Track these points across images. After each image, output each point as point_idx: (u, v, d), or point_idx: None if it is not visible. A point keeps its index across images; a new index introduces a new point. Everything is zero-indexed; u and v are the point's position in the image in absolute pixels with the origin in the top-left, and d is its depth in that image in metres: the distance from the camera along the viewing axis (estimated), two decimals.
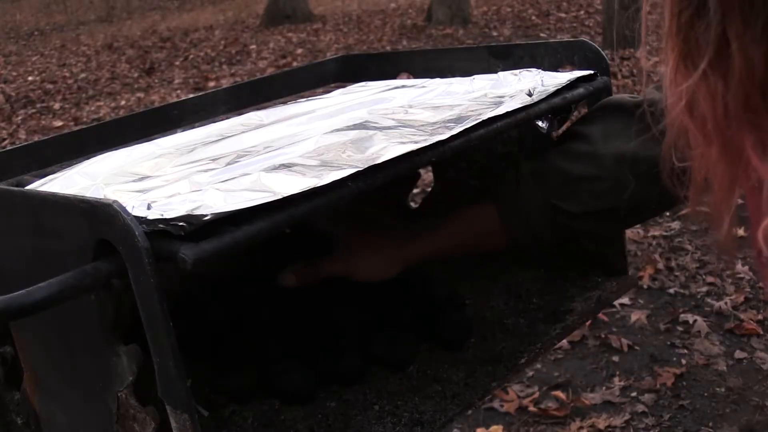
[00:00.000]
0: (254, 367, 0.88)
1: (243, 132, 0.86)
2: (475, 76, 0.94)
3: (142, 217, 0.57)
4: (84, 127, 1.01)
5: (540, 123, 0.87)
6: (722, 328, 2.60)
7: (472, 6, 9.17)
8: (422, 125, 0.77)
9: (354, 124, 0.79)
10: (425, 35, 8.31)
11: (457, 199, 0.96)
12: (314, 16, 10.28)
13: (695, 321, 2.64)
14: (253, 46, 8.74)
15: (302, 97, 1.05)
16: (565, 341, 2.50)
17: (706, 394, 2.31)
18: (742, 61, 0.32)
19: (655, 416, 2.25)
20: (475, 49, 1.03)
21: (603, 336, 2.64)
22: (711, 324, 2.63)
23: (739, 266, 2.85)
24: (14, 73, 8.74)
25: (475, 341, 0.94)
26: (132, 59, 8.75)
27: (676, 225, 3.28)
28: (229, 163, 0.72)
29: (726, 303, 2.69)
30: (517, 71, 0.92)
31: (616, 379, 2.43)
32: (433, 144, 0.69)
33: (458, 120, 0.76)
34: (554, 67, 0.93)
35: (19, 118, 6.55)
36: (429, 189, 1.29)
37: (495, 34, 7.94)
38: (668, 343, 2.59)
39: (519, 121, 0.78)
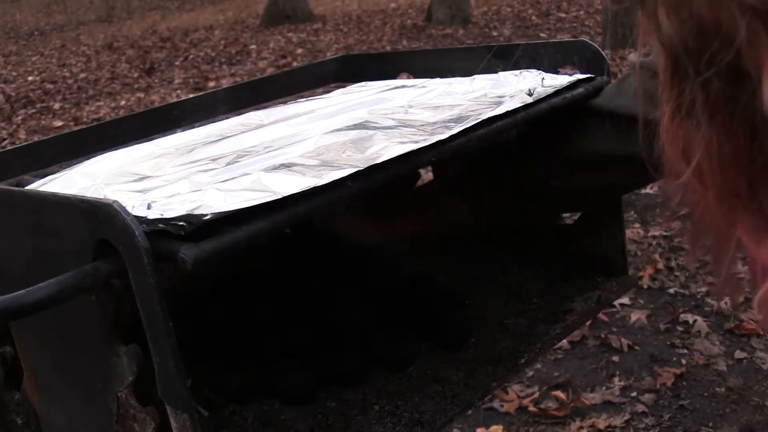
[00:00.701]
0: (254, 367, 0.88)
1: (243, 132, 0.86)
2: (475, 76, 0.95)
3: (142, 217, 0.57)
4: (84, 127, 1.01)
5: None
6: (722, 328, 2.60)
7: (472, 6, 9.17)
8: (422, 125, 0.77)
9: (354, 124, 0.79)
10: (425, 35, 8.30)
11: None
12: (314, 16, 10.27)
13: (695, 321, 2.64)
14: (253, 46, 8.74)
15: (302, 97, 1.05)
16: (565, 341, 2.50)
17: (706, 394, 2.31)
18: (728, 148, 0.33)
19: (655, 416, 2.25)
20: (475, 49, 1.03)
21: (603, 336, 2.64)
22: (711, 324, 2.63)
23: (739, 266, 2.84)
24: (14, 73, 8.74)
25: (475, 341, 0.94)
26: (132, 59, 8.75)
27: (676, 225, 3.28)
28: (229, 163, 0.72)
29: (726, 303, 2.69)
30: (517, 71, 0.92)
31: (616, 379, 2.43)
32: (433, 144, 0.69)
33: (458, 120, 0.76)
34: (554, 68, 0.93)
35: (19, 118, 6.55)
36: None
37: (495, 34, 7.94)
38: (668, 343, 2.59)
39: (519, 121, 0.78)
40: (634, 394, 2.35)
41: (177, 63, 8.32)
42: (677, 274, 2.96)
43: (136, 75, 7.92)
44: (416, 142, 0.69)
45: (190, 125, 1.02)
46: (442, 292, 1.01)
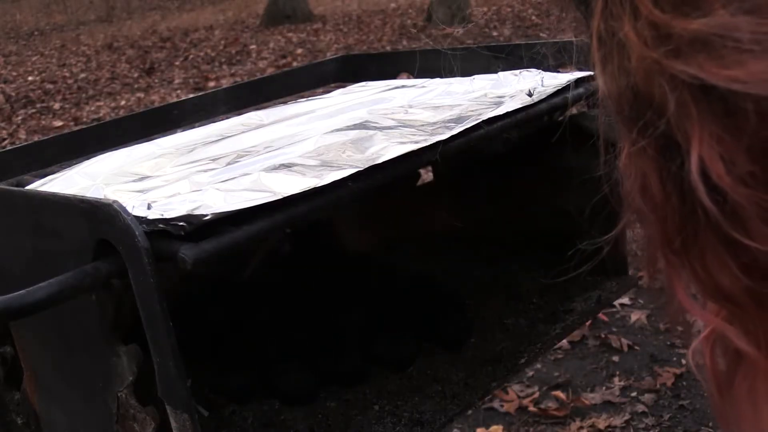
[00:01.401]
0: (254, 367, 0.88)
1: (243, 132, 0.86)
2: (475, 76, 0.94)
3: (142, 217, 0.57)
4: (84, 127, 1.01)
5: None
6: None
7: (472, 6, 9.17)
8: (422, 125, 0.77)
9: (354, 124, 0.79)
10: (425, 35, 8.30)
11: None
12: (314, 16, 10.27)
13: (695, 321, 2.64)
14: (253, 46, 8.74)
15: (302, 97, 1.05)
16: (565, 341, 2.50)
17: (706, 394, 2.30)
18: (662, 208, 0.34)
19: (655, 416, 2.25)
20: (475, 49, 1.03)
21: (603, 336, 2.64)
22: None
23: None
24: (14, 73, 8.74)
25: (475, 341, 0.94)
26: (132, 59, 8.75)
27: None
28: (229, 163, 0.72)
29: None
30: (517, 71, 0.92)
31: (616, 379, 2.43)
32: (433, 144, 0.69)
33: (458, 120, 0.76)
34: (554, 67, 0.93)
35: (19, 118, 6.55)
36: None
37: (495, 34, 7.94)
38: (668, 343, 2.58)
39: (519, 121, 0.78)
40: (634, 394, 2.35)
41: (177, 63, 8.32)
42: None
43: (136, 75, 7.91)
44: (416, 142, 0.69)
45: (190, 125, 1.02)
46: (443, 293, 1.01)
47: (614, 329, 2.67)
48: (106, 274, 0.55)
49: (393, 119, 0.81)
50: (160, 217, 0.57)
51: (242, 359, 0.90)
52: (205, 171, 0.71)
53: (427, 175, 1.31)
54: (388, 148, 0.67)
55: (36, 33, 12.40)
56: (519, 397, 2.38)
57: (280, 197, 0.58)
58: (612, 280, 1.02)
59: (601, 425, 2.22)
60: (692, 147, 0.31)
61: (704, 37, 0.29)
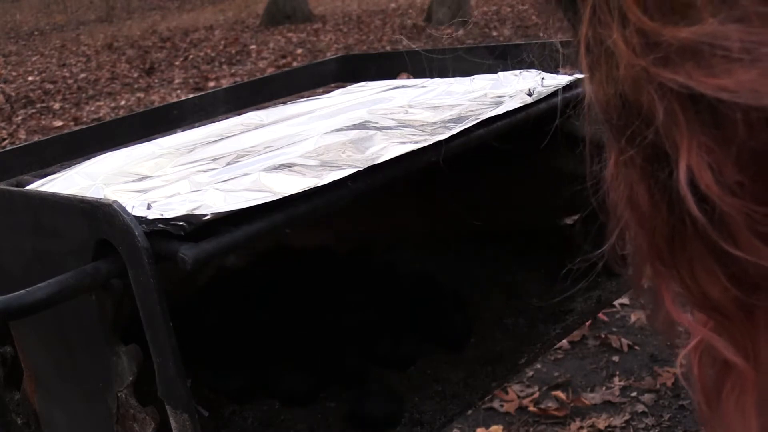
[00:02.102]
0: (253, 367, 0.87)
1: (243, 132, 0.86)
2: (475, 76, 0.94)
3: (142, 217, 0.57)
4: (84, 127, 1.01)
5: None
6: None
7: (472, 6, 9.17)
8: (422, 125, 0.77)
9: (354, 124, 0.79)
10: (425, 35, 8.30)
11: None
12: (314, 16, 10.27)
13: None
14: (253, 46, 8.74)
15: (302, 97, 1.05)
16: (565, 341, 2.50)
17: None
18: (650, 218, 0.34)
19: (655, 416, 2.25)
20: (475, 49, 1.03)
21: (603, 336, 2.64)
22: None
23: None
24: (14, 73, 8.74)
25: (475, 341, 0.94)
26: (132, 59, 8.75)
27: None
28: (229, 163, 0.72)
29: None
30: (517, 71, 0.92)
31: (616, 379, 2.43)
32: (433, 144, 0.69)
33: (458, 120, 0.76)
34: (554, 68, 0.93)
35: (19, 118, 6.55)
36: None
37: (495, 34, 7.94)
38: (668, 343, 2.58)
39: (519, 121, 0.78)
40: (634, 394, 2.35)
41: (177, 63, 8.32)
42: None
43: (136, 75, 7.91)
44: (416, 142, 0.69)
45: (190, 125, 1.02)
46: (443, 293, 1.01)
47: (614, 329, 2.68)
48: (106, 274, 0.55)
49: (393, 119, 0.81)
50: (160, 217, 0.57)
51: (241, 359, 0.90)
52: (205, 171, 0.71)
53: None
54: (388, 148, 0.67)
55: (36, 33, 12.40)
56: (519, 397, 2.38)
57: (279, 197, 0.58)
58: (612, 280, 1.02)
59: (601, 425, 2.22)
60: (681, 156, 0.30)
61: (693, 45, 0.29)
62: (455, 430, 2.23)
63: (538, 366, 2.51)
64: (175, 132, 0.96)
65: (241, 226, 0.57)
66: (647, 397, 2.32)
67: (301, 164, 0.66)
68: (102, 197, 0.64)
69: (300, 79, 1.16)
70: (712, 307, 0.34)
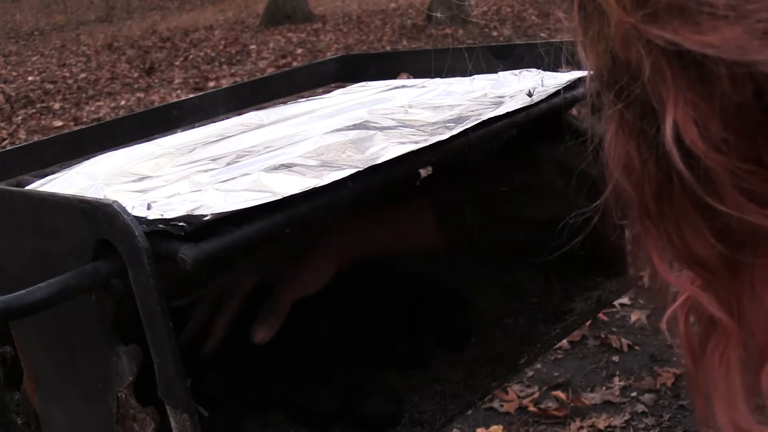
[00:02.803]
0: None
1: (243, 132, 0.86)
2: (475, 76, 0.94)
3: (142, 217, 0.57)
4: (84, 127, 1.01)
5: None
6: None
7: (472, 6, 9.17)
8: (422, 125, 0.77)
9: (354, 124, 0.79)
10: (425, 35, 8.31)
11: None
12: (314, 16, 10.28)
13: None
14: (253, 46, 8.74)
15: (302, 97, 1.05)
16: (565, 341, 2.50)
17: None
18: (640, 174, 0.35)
19: (655, 416, 2.25)
20: (475, 49, 1.03)
21: (603, 336, 2.64)
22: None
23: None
24: (14, 73, 8.74)
25: (475, 341, 0.94)
26: (132, 59, 8.75)
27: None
28: (229, 163, 0.72)
29: None
30: (517, 71, 0.92)
31: (616, 379, 2.43)
32: (433, 144, 0.69)
33: (458, 120, 0.76)
34: (554, 67, 0.93)
35: (19, 118, 6.55)
36: None
37: (495, 34, 7.94)
38: (668, 343, 2.58)
39: (519, 121, 0.78)
40: (634, 394, 2.35)
41: (177, 63, 8.32)
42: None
43: (136, 75, 7.92)
44: (416, 142, 0.69)
45: (190, 125, 1.02)
46: (445, 293, 1.01)
47: (614, 329, 2.68)
48: (106, 274, 0.55)
49: (393, 119, 0.81)
50: (160, 217, 0.57)
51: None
52: (205, 171, 0.71)
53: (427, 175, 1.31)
54: (388, 149, 0.67)
55: (36, 33, 12.41)
56: (519, 397, 2.38)
57: (280, 197, 0.58)
58: (612, 280, 1.02)
59: (601, 425, 2.22)
60: (667, 112, 0.31)
61: (680, 3, 0.30)
62: (455, 430, 2.23)
63: (538, 366, 2.51)
64: (175, 132, 0.96)
65: (241, 226, 0.57)
66: (647, 397, 2.32)
67: (301, 164, 0.66)
68: (102, 197, 0.64)
69: (300, 79, 1.16)
70: (697, 263, 0.35)
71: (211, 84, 6.96)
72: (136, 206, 0.59)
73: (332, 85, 1.17)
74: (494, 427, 2.26)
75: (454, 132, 0.71)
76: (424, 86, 0.96)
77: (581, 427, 2.22)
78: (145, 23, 11.92)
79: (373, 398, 0.82)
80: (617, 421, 2.24)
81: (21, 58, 9.83)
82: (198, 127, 0.95)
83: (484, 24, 8.56)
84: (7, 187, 0.71)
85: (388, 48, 7.64)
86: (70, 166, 0.82)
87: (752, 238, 0.32)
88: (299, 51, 8.15)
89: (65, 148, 0.94)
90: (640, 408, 2.29)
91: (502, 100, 0.83)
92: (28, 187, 0.78)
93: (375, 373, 0.88)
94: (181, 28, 10.79)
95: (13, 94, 7.52)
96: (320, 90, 1.14)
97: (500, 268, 1.07)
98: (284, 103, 1.01)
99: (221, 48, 8.86)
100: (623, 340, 2.60)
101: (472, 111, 0.80)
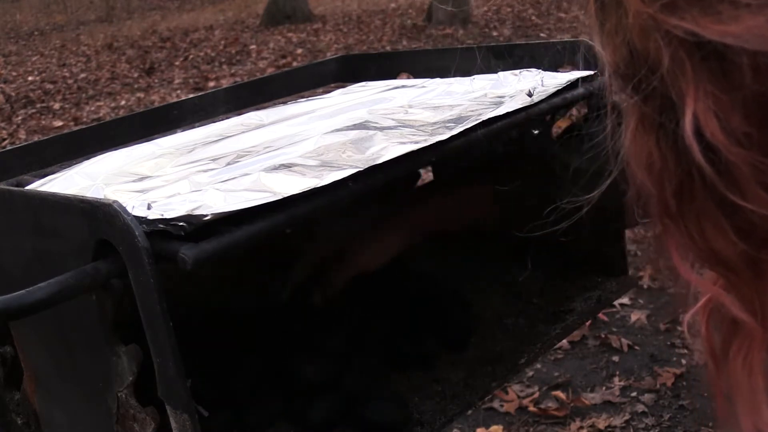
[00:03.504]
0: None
1: (243, 132, 0.86)
2: (475, 76, 0.94)
3: (142, 217, 0.57)
4: (84, 127, 1.01)
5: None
6: None
7: (472, 6, 9.17)
8: (422, 125, 0.77)
9: (354, 124, 0.79)
10: (425, 35, 8.31)
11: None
12: (314, 16, 10.27)
13: (695, 321, 2.64)
14: (253, 46, 8.74)
15: (302, 97, 1.05)
16: (565, 341, 2.50)
17: (706, 394, 2.30)
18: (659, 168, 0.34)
19: (655, 416, 2.25)
20: (475, 49, 1.02)
21: (603, 336, 2.64)
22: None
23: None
24: (14, 73, 8.74)
25: (475, 341, 0.94)
26: (132, 59, 8.75)
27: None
28: (229, 163, 0.72)
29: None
30: (517, 71, 0.92)
31: (616, 379, 2.43)
32: (433, 144, 0.69)
33: (458, 120, 0.76)
34: (554, 67, 0.93)
35: (19, 118, 6.55)
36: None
37: (495, 34, 7.94)
38: (668, 343, 2.59)
39: (519, 121, 0.78)
40: (634, 394, 2.35)
41: (177, 63, 8.32)
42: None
43: (136, 75, 7.92)
44: (416, 142, 0.69)
45: (190, 125, 1.02)
46: (446, 292, 1.01)
47: (614, 329, 2.68)
48: (106, 274, 0.55)
49: (393, 119, 0.81)
50: (160, 217, 0.57)
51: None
52: (205, 171, 0.71)
53: (427, 175, 1.31)
54: (388, 149, 0.67)
55: (36, 33, 12.41)
56: (519, 397, 2.38)
57: (280, 197, 0.58)
58: (612, 280, 1.02)
59: (601, 425, 2.22)
60: (687, 105, 0.30)
61: None
62: (455, 430, 2.23)
63: (538, 366, 2.51)
64: (175, 132, 0.96)
65: (241, 226, 0.57)
66: (647, 397, 2.32)
67: (301, 164, 0.66)
68: (102, 197, 0.64)
69: (300, 79, 1.16)
70: (719, 263, 0.34)
71: (211, 84, 6.96)
72: (136, 206, 0.59)
73: (332, 85, 1.17)
74: (494, 427, 2.26)
75: (454, 132, 0.71)
76: (424, 86, 0.96)
77: (581, 427, 2.22)
78: (145, 23, 11.92)
79: (379, 403, 0.81)
80: (617, 421, 2.24)
81: (21, 58, 9.83)
82: (198, 127, 0.95)
83: (484, 24, 8.56)
84: (7, 187, 0.71)
85: (388, 48, 7.64)
86: (70, 166, 0.82)
87: None
88: (299, 51, 8.15)
89: (65, 148, 0.94)
90: (640, 408, 2.29)
91: (502, 100, 0.83)
92: (28, 187, 0.78)
93: (380, 376, 0.87)
94: (181, 28, 10.79)
95: (13, 94, 7.52)
96: (320, 90, 1.14)
97: (500, 268, 1.07)
98: (284, 103, 1.01)
99: (221, 48, 8.86)
100: (623, 340, 2.60)
101: (472, 111, 0.80)
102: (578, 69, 0.91)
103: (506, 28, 8.18)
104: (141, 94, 6.98)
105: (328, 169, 0.64)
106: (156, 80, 7.59)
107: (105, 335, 0.59)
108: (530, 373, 2.49)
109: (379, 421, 0.80)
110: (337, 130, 0.77)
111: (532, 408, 2.34)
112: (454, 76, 0.98)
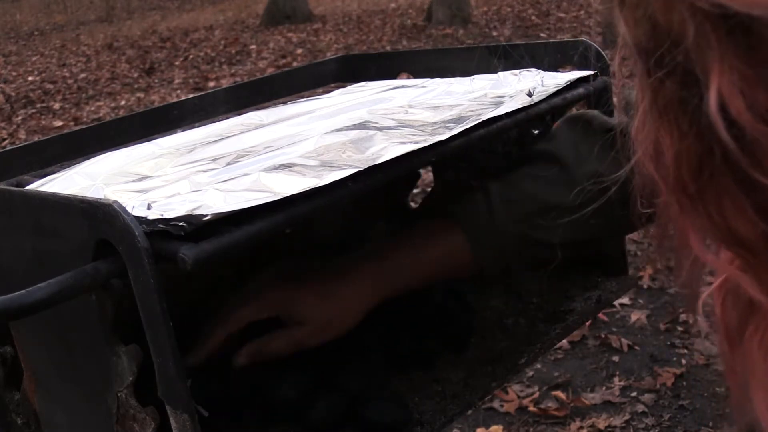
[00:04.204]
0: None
1: (243, 132, 0.86)
2: (475, 76, 0.94)
3: (142, 217, 0.57)
4: (84, 127, 1.01)
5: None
6: None
7: (472, 6, 9.17)
8: (422, 125, 0.77)
9: (354, 124, 0.79)
10: (425, 35, 8.31)
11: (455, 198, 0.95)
12: (314, 16, 10.28)
13: (695, 321, 2.65)
14: (253, 46, 8.75)
15: (302, 97, 1.05)
16: (565, 341, 2.50)
17: (706, 394, 2.31)
18: (674, 151, 0.33)
19: (655, 416, 2.26)
20: (475, 49, 1.02)
21: (603, 336, 2.64)
22: (711, 324, 2.63)
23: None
24: (14, 73, 8.74)
25: (475, 341, 0.94)
26: (132, 59, 8.76)
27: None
28: (229, 163, 0.72)
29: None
30: (517, 71, 0.92)
31: (616, 379, 2.43)
32: (433, 144, 0.69)
33: (458, 120, 0.76)
34: (554, 67, 0.93)
35: (19, 118, 6.55)
36: (429, 189, 1.28)
37: (495, 34, 7.94)
38: (668, 343, 2.59)
39: (519, 121, 0.78)
40: (634, 394, 2.35)
41: (177, 63, 8.32)
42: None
43: (136, 75, 7.92)
44: (416, 142, 0.69)
45: (190, 125, 1.02)
46: (446, 292, 1.01)
47: (614, 329, 2.68)
48: (106, 274, 0.55)
49: (393, 119, 0.81)
50: (160, 217, 0.57)
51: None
52: (205, 171, 0.71)
53: (427, 175, 1.31)
54: (388, 149, 0.67)
55: (36, 33, 12.41)
56: (519, 397, 2.38)
57: (280, 197, 0.58)
58: (612, 280, 1.02)
59: (601, 425, 2.22)
60: (711, 80, 0.29)
61: None
62: (455, 430, 2.23)
63: (538, 366, 2.51)
64: (175, 132, 0.96)
65: (241, 226, 0.57)
66: (647, 397, 2.32)
67: (301, 164, 0.66)
68: (102, 197, 0.64)
69: (300, 79, 1.16)
70: (738, 243, 0.33)
71: (211, 84, 6.96)
72: (136, 206, 0.59)
73: (332, 85, 1.17)
74: (494, 427, 2.26)
75: (454, 132, 0.71)
76: (424, 86, 0.96)
77: (581, 427, 2.22)
78: (145, 23, 11.92)
79: (379, 403, 0.81)
80: (617, 421, 2.24)
81: (21, 58, 9.83)
82: (198, 127, 0.95)
83: (484, 24, 8.56)
84: (7, 187, 0.71)
85: (388, 48, 7.65)
86: (70, 166, 0.82)
87: None
88: (299, 51, 8.16)
89: (65, 148, 0.94)
90: (640, 408, 2.29)
91: (502, 100, 0.83)
92: (28, 187, 0.78)
93: (381, 377, 0.87)
94: (181, 28, 10.79)
95: (13, 94, 7.52)
96: (320, 90, 1.14)
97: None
98: (284, 103, 1.01)
99: (221, 48, 8.87)
100: (623, 340, 2.60)
101: (472, 111, 0.80)
102: (578, 69, 0.91)
103: (506, 28, 8.18)
104: (141, 94, 6.99)
105: (328, 169, 0.64)
106: (156, 80, 7.59)
107: (105, 335, 0.59)
108: (530, 373, 2.49)
109: (379, 421, 0.80)
110: (337, 130, 0.77)
111: (532, 408, 2.34)
112: (454, 76, 0.98)
